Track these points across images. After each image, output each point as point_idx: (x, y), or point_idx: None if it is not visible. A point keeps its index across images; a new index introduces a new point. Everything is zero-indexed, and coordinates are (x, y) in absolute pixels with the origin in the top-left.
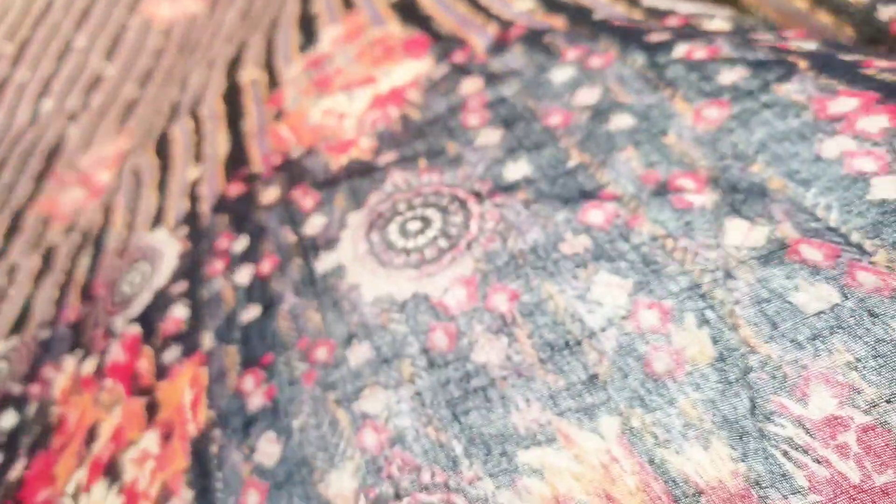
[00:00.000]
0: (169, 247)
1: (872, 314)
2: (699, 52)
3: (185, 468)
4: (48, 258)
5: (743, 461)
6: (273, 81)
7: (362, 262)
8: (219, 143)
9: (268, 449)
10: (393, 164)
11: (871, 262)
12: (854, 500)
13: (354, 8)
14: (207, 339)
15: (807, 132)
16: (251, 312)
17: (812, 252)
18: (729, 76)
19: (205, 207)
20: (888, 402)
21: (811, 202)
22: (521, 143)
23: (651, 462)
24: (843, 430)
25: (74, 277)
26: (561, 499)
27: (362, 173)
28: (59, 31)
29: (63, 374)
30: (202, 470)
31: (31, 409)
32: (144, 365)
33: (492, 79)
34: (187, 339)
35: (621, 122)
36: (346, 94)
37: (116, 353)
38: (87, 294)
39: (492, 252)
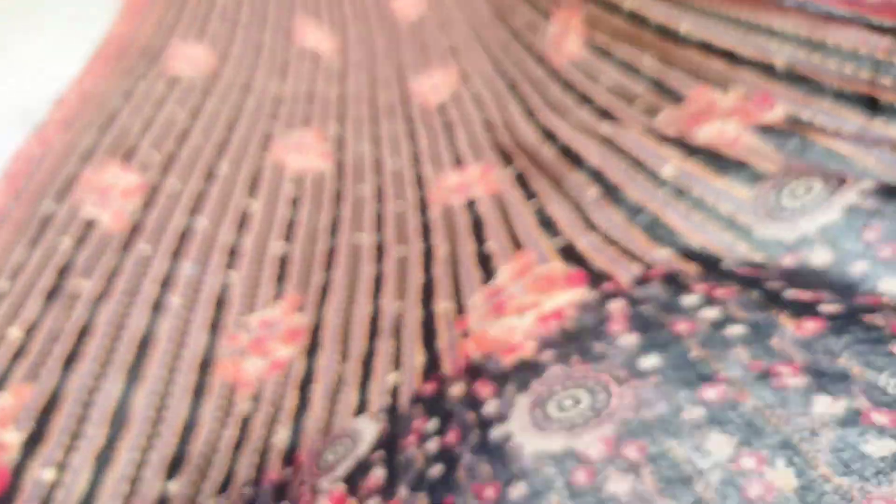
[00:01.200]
0: (369, 427)
1: None
2: (805, 296)
3: None
4: (244, 429)
5: None
6: (460, 309)
7: (526, 429)
8: (416, 357)
9: None
10: (552, 361)
11: None
12: None
13: (523, 248)
14: (402, 490)
15: (884, 340)
16: (437, 469)
17: (880, 417)
18: (827, 309)
19: (403, 401)
20: None
21: (883, 382)
22: (653, 343)
23: None
24: None
25: (272, 444)
26: None
27: (528, 368)
28: (202, 154)
29: None
30: None
31: None
32: None
33: (633, 301)
34: (386, 491)
35: (735, 330)
36: (518, 316)
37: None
38: (289, 460)
39: (627, 419)
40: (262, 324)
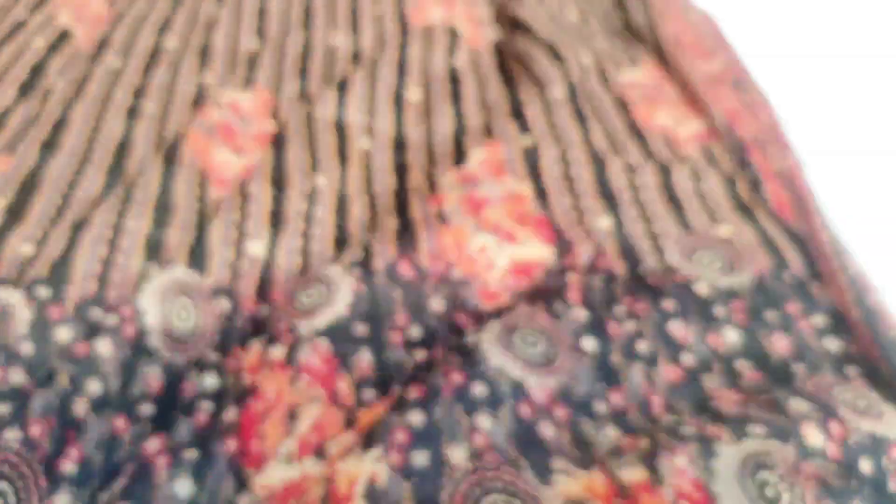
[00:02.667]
0: (343, 280)
1: None
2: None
3: None
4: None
5: None
6: (431, 185)
7: (493, 343)
8: (388, 219)
9: None
10: (521, 303)
11: None
12: None
13: (493, 137)
14: (396, 388)
15: None
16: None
17: None
18: (687, 361)
19: (379, 264)
20: None
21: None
22: (594, 329)
23: None
24: None
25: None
26: None
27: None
28: None
29: (249, 353)
30: None
31: (229, 380)
32: (344, 388)
33: (586, 285)
34: (380, 386)
35: (641, 347)
36: (495, 240)
37: (310, 357)
38: (263, 296)
39: (563, 384)
40: (232, 104)
